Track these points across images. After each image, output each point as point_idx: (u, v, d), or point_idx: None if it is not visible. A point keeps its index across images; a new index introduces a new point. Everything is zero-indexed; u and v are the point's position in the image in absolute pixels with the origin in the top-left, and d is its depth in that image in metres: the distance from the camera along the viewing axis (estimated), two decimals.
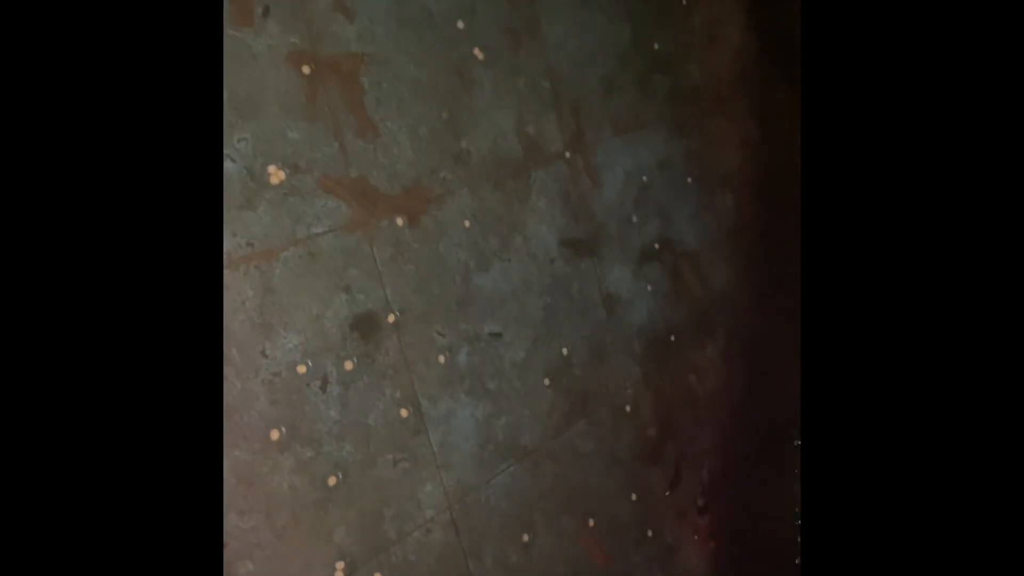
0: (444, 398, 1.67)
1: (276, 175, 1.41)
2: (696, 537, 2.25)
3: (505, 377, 1.80)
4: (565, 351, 1.93)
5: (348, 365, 1.50)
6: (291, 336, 1.43)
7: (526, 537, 1.79)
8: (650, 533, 2.10)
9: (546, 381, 1.88)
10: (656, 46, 2.26)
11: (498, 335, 1.79)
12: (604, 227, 2.08)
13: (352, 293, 1.53)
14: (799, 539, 2.42)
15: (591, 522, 1.95)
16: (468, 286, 1.73)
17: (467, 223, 1.74)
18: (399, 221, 1.62)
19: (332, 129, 1.50)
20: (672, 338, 2.24)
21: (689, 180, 2.35)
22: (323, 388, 1.47)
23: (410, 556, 1.59)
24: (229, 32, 1.34)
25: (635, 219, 2.17)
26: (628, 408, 2.08)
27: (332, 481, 1.45)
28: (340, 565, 1.43)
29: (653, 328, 2.18)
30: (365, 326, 1.54)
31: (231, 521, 1.31)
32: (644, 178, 2.20)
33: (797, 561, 2.42)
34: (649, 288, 2.18)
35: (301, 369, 1.43)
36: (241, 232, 1.35)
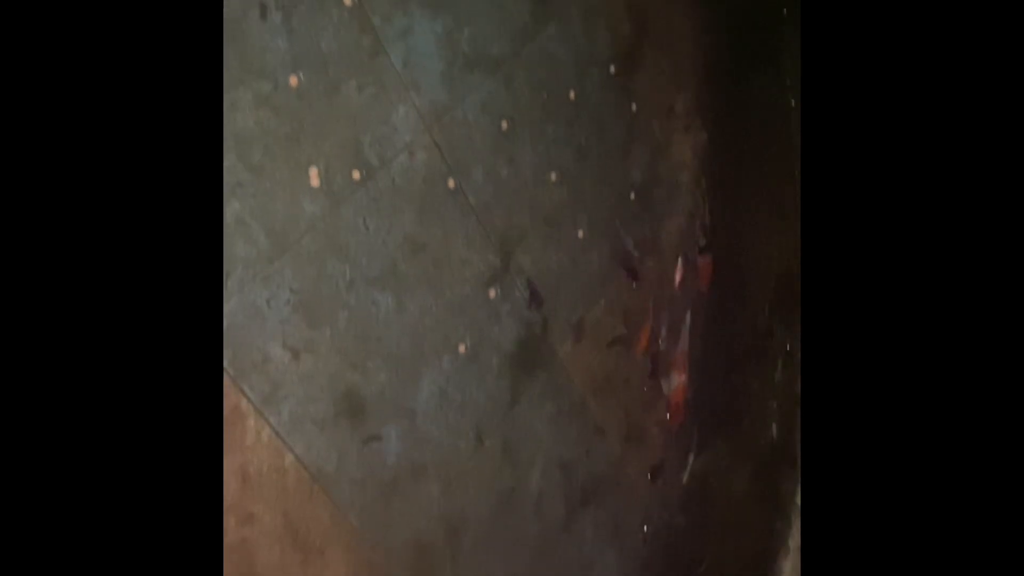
0: (397, 14, 1.56)
1: None
2: (682, 133, 2.25)
3: None
4: None
5: None
6: None
7: (506, 125, 1.77)
8: (633, 107, 2.07)
9: None
10: None
11: None
12: None
13: None
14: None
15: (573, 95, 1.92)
16: None
17: None
18: None
19: None
20: None
21: None
22: (263, 16, 1.36)
23: (396, 180, 1.60)
24: None
25: None
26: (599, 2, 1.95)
27: (294, 82, 1.40)
28: (314, 172, 1.43)
29: None
30: None
31: None
32: None
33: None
34: None
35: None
36: None
